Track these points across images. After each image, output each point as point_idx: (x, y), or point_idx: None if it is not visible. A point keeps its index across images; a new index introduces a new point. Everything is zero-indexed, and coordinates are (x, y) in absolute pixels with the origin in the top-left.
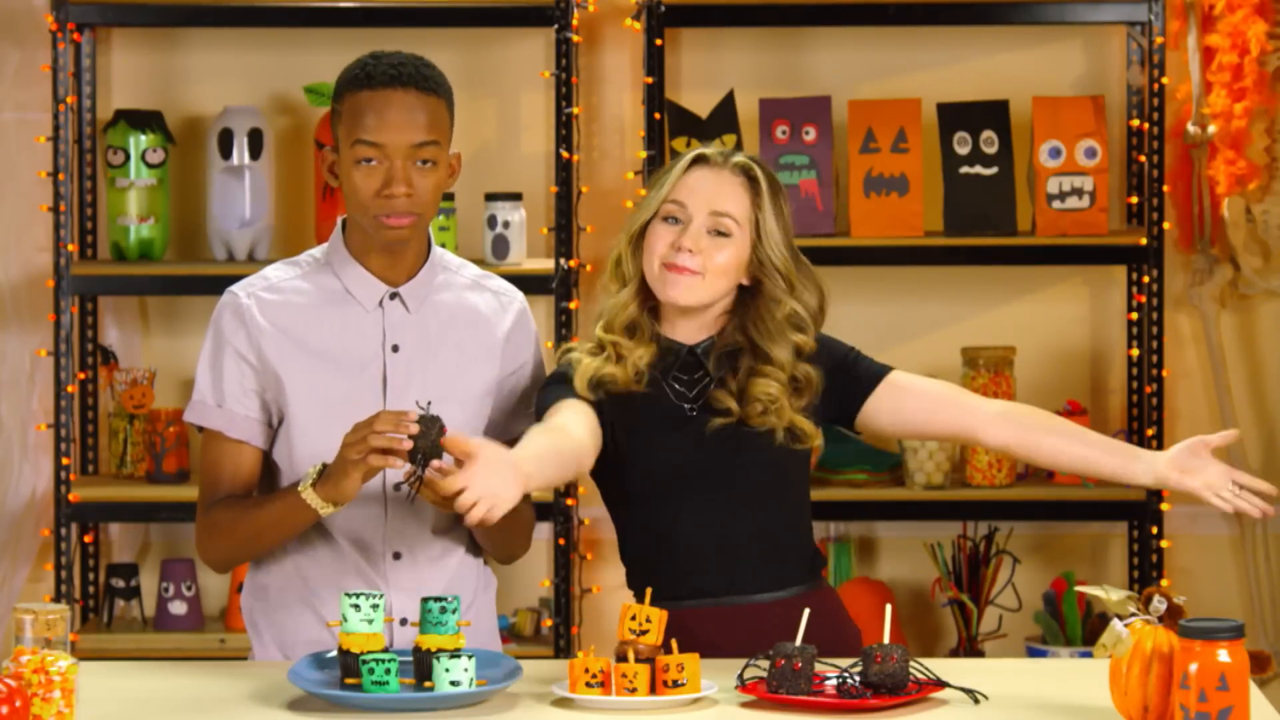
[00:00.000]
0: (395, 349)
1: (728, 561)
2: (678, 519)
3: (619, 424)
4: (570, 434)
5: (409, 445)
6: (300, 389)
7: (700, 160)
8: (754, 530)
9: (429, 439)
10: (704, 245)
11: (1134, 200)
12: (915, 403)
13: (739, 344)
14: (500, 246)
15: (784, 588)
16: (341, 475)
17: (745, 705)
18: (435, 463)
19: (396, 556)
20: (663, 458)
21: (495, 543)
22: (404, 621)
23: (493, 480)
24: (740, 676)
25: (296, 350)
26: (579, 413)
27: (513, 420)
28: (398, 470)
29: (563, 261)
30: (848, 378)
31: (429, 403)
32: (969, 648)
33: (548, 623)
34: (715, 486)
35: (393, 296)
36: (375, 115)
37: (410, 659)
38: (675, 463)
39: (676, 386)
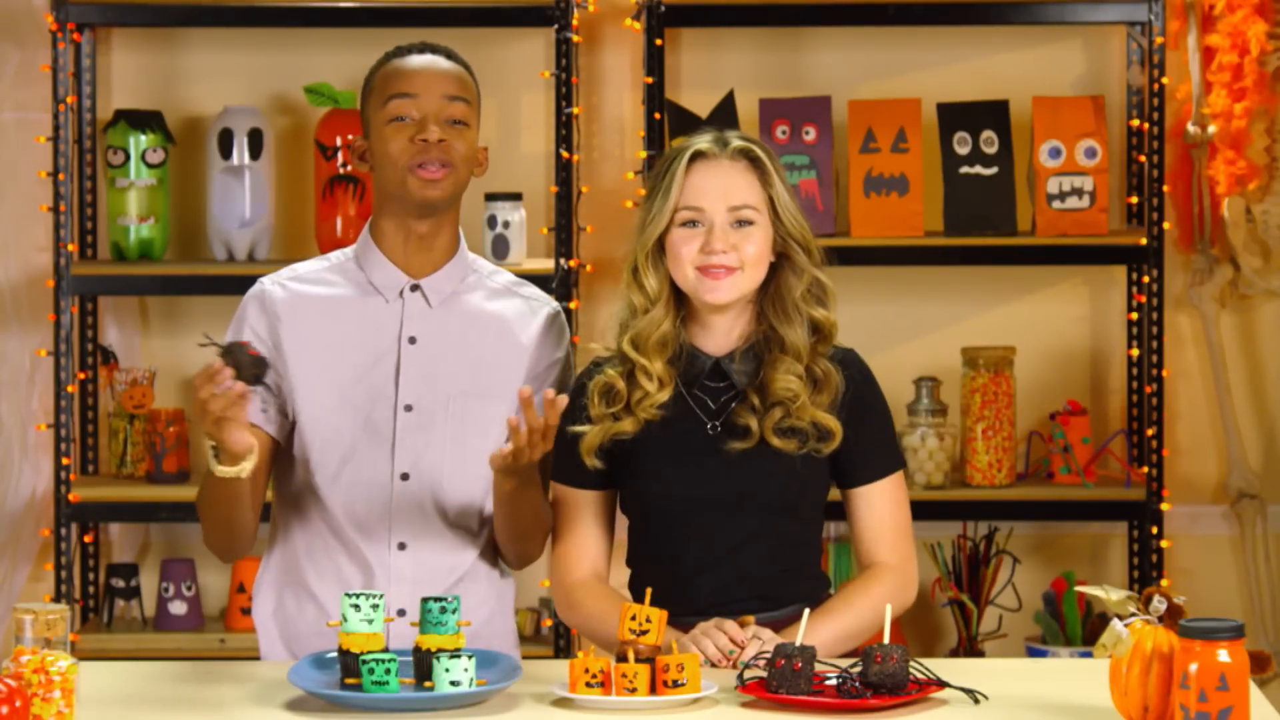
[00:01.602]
0: (412, 340)
1: (732, 584)
2: (687, 540)
3: (636, 449)
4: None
5: (240, 386)
6: (308, 374)
7: (698, 156)
8: (763, 555)
9: (240, 358)
10: (733, 240)
11: (1134, 200)
12: (859, 519)
13: (762, 335)
14: (500, 246)
15: (787, 606)
16: (221, 445)
17: (745, 705)
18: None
19: (401, 547)
20: (678, 483)
21: (511, 522)
22: (401, 613)
23: None
24: (740, 676)
25: (311, 336)
26: (596, 533)
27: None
28: (391, 457)
29: (563, 261)
30: (853, 446)
31: (208, 339)
32: (969, 648)
33: (548, 623)
34: (728, 512)
35: (414, 289)
36: (408, 76)
37: (410, 659)
38: (690, 488)
39: (702, 396)
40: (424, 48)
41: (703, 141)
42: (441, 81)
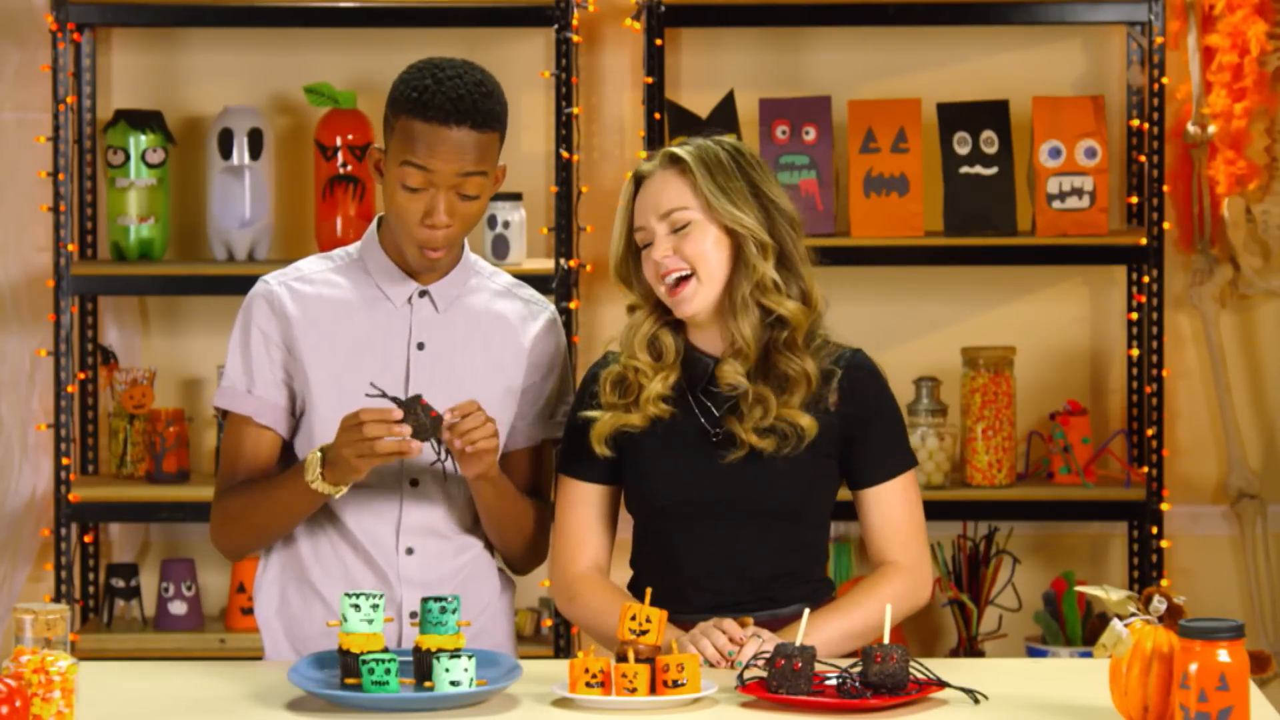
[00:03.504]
0: (420, 346)
1: (734, 589)
2: (689, 544)
3: (641, 448)
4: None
5: (416, 445)
6: (324, 380)
7: (640, 178)
8: (766, 559)
9: (421, 419)
10: (674, 245)
11: (1134, 200)
12: (870, 519)
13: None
14: (500, 246)
15: (786, 606)
16: (350, 472)
17: (745, 705)
18: (449, 418)
19: (409, 552)
20: (680, 486)
21: (491, 526)
22: (414, 615)
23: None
24: (740, 677)
25: (323, 341)
26: (599, 526)
27: (536, 427)
28: (401, 464)
29: (563, 261)
30: (862, 446)
31: (379, 390)
32: (969, 648)
33: (548, 623)
34: (728, 518)
35: (422, 294)
36: (426, 146)
37: (410, 659)
38: (691, 492)
39: (705, 401)
40: (451, 111)
41: (644, 164)
42: (460, 159)
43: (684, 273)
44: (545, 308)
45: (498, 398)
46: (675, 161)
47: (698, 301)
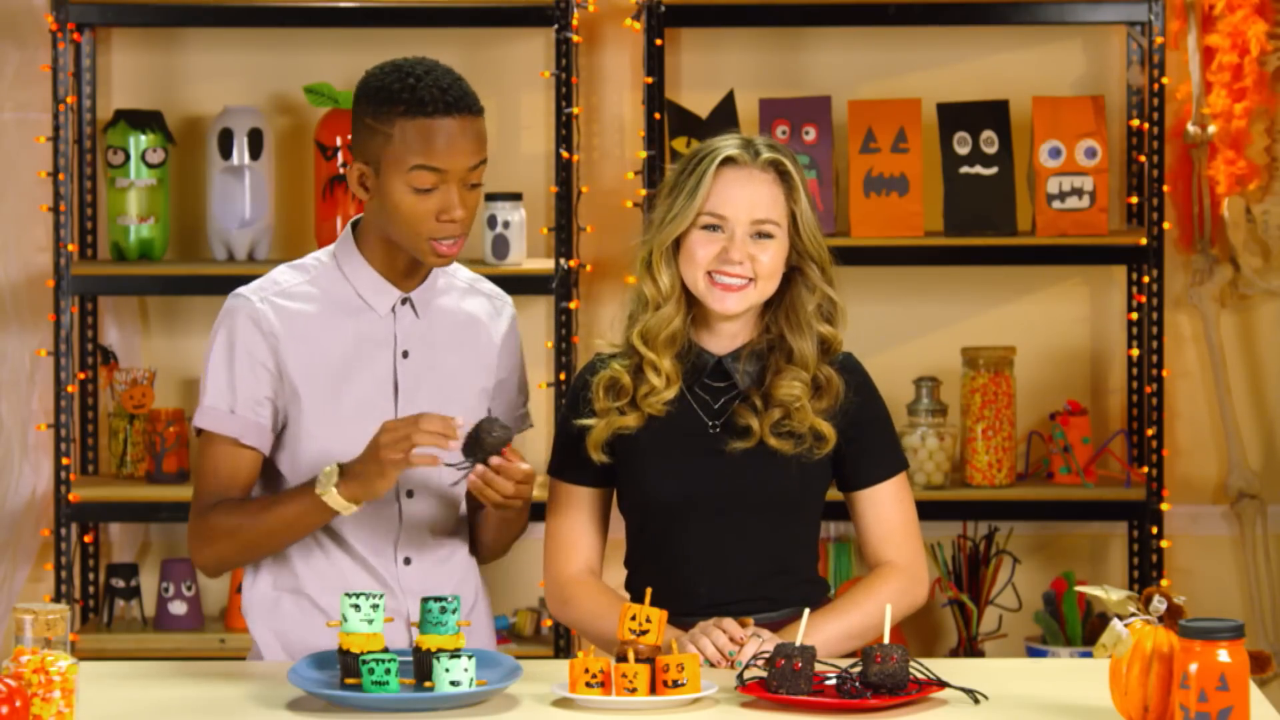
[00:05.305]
0: (405, 355)
1: (730, 585)
2: (687, 540)
3: (637, 447)
4: (602, 582)
5: (456, 446)
6: (314, 395)
7: (728, 161)
8: (762, 556)
9: (496, 440)
10: (751, 250)
11: (1134, 200)
12: (865, 521)
13: (769, 342)
14: (500, 246)
15: (782, 609)
16: (377, 475)
17: (745, 705)
18: (495, 460)
19: (407, 562)
20: (679, 482)
21: (499, 532)
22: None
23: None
24: (740, 676)
25: (311, 356)
26: (591, 529)
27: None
28: (412, 474)
29: (563, 261)
30: (855, 449)
31: (494, 418)
32: (969, 648)
33: (548, 623)
34: (726, 511)
35: (404, 302)
36: (434, 143)
37: (410, 659)
38: (690, 487)
39: (704, 396)
40: (448, 104)
41: (732, 147)
42: (467, 153)
43: (748, 277)
44: (507, 302)
45: (475, 397)
46: (776, 169)
47: (744, 305)
